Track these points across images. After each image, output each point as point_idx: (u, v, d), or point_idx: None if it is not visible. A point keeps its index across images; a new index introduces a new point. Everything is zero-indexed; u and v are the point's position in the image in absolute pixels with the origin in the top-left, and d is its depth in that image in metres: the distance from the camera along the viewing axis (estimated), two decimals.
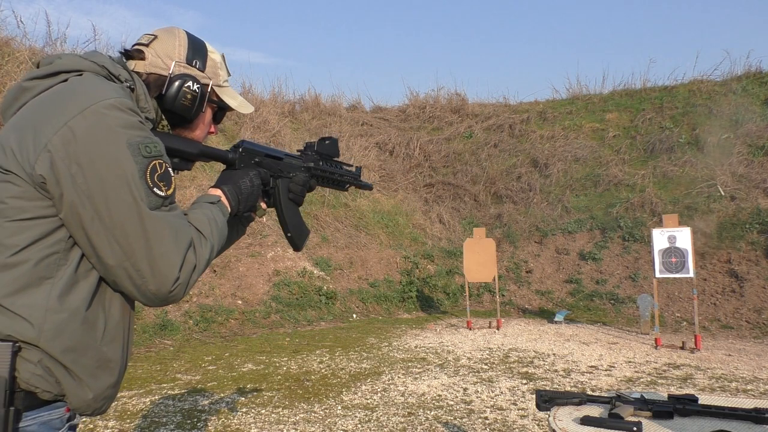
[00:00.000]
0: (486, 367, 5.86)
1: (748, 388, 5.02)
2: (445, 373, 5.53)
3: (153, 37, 1.28)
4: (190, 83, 1.26)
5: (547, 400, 1.85)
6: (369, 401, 4.58)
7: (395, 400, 4.60)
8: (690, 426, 1.64)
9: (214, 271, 8.63)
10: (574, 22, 42.93)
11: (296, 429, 3.91)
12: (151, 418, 4.12)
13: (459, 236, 12.41)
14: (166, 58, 1.26)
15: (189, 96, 1.26)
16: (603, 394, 1.90)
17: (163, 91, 1.24)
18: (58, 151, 0.99)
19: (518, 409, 4.35)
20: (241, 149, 1.44)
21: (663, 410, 1.70)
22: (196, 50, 1.31)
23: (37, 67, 1.13)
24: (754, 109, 12.23)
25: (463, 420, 4.10)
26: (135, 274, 1.04)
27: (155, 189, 1.05)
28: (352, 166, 1.78)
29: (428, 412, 4.29)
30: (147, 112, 1.18)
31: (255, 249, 9.45)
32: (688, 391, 4.88)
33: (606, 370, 5.72)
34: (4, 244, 1.00)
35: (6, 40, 9.45)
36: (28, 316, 0.99)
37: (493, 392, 4.85)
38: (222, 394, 4.77)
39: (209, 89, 1.33)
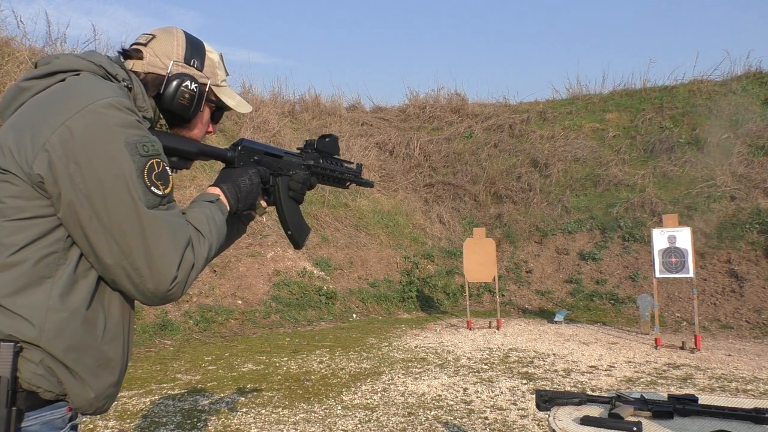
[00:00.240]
0: (486, 367, 5.86)
1: (748, 388, 5.02)
2: (445, 373, 5.53)
3: (151, 36, 1.29)
4: (188, 82, 1.26)
5: (547, 400, 1.85)
6: (369, 401, 4.58)
7: (395, 400, 4.60)
8: (690, 426, 1.64)
9: (214, 271, 8.63)
10: (574, 22, 42.94)
11: (296, 429, 3.91)
12: (151, 418, 4.12)
13: (459, 236, 12.41)
14: (165, 58, 1.26)
15: (187, 95, 1.26)
16: (603, 394, 1.90)
17: (161, 91, 1.25)
18: (56, 151, 0.99)
19: (518, 409, 4.35)
20: (240, 147, 1.44)
21: (663, 410, 1.70)
22: (194, 50, 1.32)
23: (35, 68, 1.13)
24: (754, 109, 12.23)
25: (463, 420, 4.10)
26: (133, 273, 1.04)
27: (153, 188, 1.05)
28: (352, 163, 1.77)
29: (428, 412, 4.29)
30: (144, 111, 1.19)
31: (255, 249, 9.45)
32: (688, 391, 4.88)
33: (606, 370, 5.72)
34: (3, 244, 1.00)
35: (6, 40, 9.46)
36: (29, 316, 1.00)
37: (493, 392, 4.85)
38: (222, 394, 4.77)
39: (207, 89, 1.33)
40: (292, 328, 8.32)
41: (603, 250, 10.87)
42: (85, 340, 1.05)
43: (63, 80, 1.09)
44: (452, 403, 4.54)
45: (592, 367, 5.88)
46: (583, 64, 42.35)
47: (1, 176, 1.02)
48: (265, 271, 9.21)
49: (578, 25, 42.94)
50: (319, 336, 7.72)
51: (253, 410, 4.33)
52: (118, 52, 1.26)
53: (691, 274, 7.05)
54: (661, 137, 12.69)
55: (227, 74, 1.42)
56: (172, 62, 1.26)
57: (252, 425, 3.99)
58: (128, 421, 4.07)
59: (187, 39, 1.32)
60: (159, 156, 1.08)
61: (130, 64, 1.25)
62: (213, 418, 4.15)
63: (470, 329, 8.33)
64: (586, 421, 1.64)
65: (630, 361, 6.14)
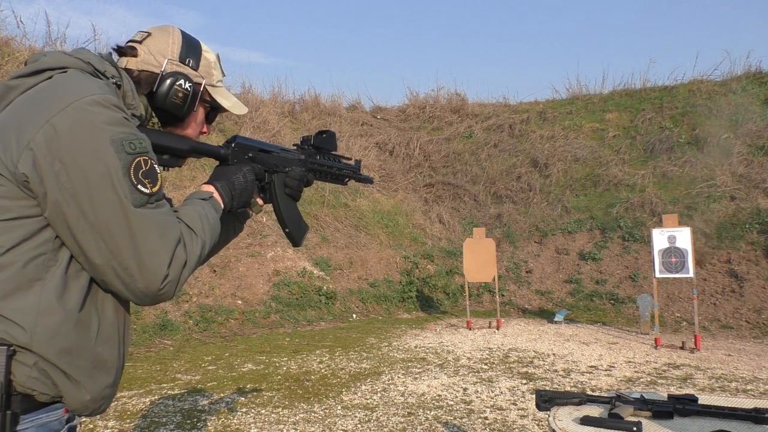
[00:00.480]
0: (486, 367, 5.86)
1: (748, 388, 5.02)
2: (445, 373, 5.53)
3: (147, 34, 1.27)
4: (181, 81, 1.25)
5: (547, 400, 1.85)
6: (369, 401, 4.58)
7: (395, 400, 4.60)
8: (690, 426, 1.64)
9: (214, 271, 8.63)
10: (574, 22, 42.94)
11: (296, 429, 3.91)
12: (151, 418, 4.12)
13: (459, 236, 12.41)
14: (159, 56, 1.25)
15: (180, 94, 1.25)
16: (603, 394, 1.90)
17: (155, 89, 1.23)
18: (41, 149, 0.98)
19: (518, 409, 4.35)
20: (233, 144, 1.42)
21: (663, 410, 1.70)
22: (190, 49, 1.30)
23: (26, 66, 1.12)
24: (754, 109, 12.23)
25: (463, 420, 4.10)
26: (123, 272, 1.02)
27: (140, 186, 1.03)
28: (351, 159, 1.75)
29: (428, 412, 4.29)
30: (134, 108, 1.17)
31: (255, 249, 9.45)
32: (688, 391, 4.88)
33: (606, 370, 5.72)
34: None
35: (6, 40, 9.46)
36: (20, 321, 0.98)
37: (492, 392, 4.85)
38: (222, 394, 4.77)
39: (201, 88, 1.31)
40: (292, 328, 8.32)
41: (603, 250, 10.87)
42: (79, 343, 1.04)
43: (50, 78, 1.07)
44: (452, 403, 4.54)
45: (592, 367, 5.88)
46: (583, 64, 42.35)
47: None
48: (265, 271, 9.21)
49: (578, 25, 42.95)
50: (319, 336, 7.72)
51: (253, 410, 4.33)
52: (113, 49, 1.25)
53: (691, 274, 7.05)
54: (661, 137, 12.69)
55: (224, 75, 1.40)
56: (166, 60, 1.25)
57: (252, 425, 3.99)
58: (128, 421, 4.07)
59: (184, 38, 1.30)
60: (147, 153, 1.06)
61: (124, 61, 1.24)
62: (213, 418, 4.15)
63: (470, 329, 8.33)
64: (586, 421, 1.64)
65: (630, 361, 6.14)
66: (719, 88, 13.42)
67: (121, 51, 1.25)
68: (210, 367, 5.77)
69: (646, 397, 1.81)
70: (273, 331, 8.04)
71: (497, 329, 8.30)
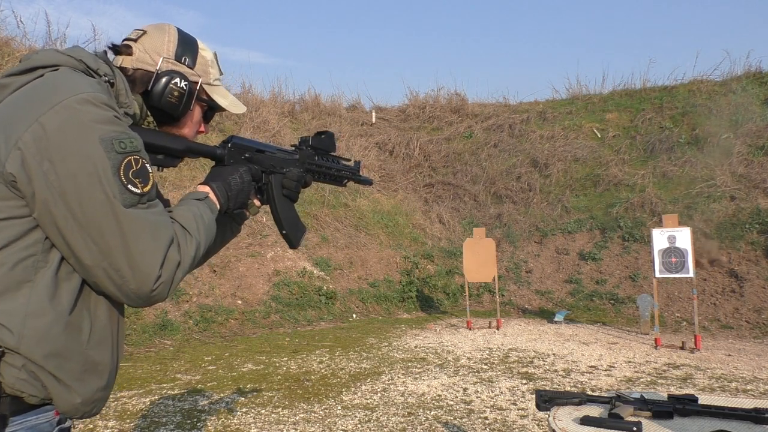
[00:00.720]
0: (486, 367, 5.85)
1: (748, 388, 5.02)
2: (445, 373, 5.53)
3: (142, 32, 1.25)
4: (177, 80, 1.23)
5: (546, 400, 1.85)
6: (369, 401, 4.58)
7: (395, 400, 4.60)
8: (690, 426, 1.64)
9: (214, 271, 8.63)
10: (574, 22, 42.94)
11: (296, 429, 3.91)
12: (151, 418, 4.12)
13: (459, 236, 12.41)
14: (154, 54, 1.23)
15: (176, 93, 1.23)
16: (603, 394, 1.90)
17: (150, 88, 1.22)
18: (29, 148, 0.96)
19: (518, 409, 4.35)
20: (230, 145, 1.40)
21: (663, 410, 1.70)
22: (186, 47, 1.28)
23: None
24: (754, 109, 12.23)
25: (463, 420, 4.10)
26: (114, 273, 1.00)
27: (130, 186, 1.01)
28: (350, 160, 1.73)
29: (428, 412, 4.29)
30: (127, 107, 1.15)
31: (255, 249, 9.45)
32: (688, 391, 4.88)
33: (606, 370, 5.72)
34: None
35: (6, 40, 9.46)
36: (7, 323, 0.96)
37: (492, 392, 4.85)
38: (222, 394, 4.77)
39: (198, 87, 1.29)
40: (292, 328, 8.31)
41: (603, 250, 10.87)
42: (69, 346, 1.02)
43: (41, 76, 1.05)
44: (452, 403, 4.54)
45: (592, 367, 5.87)
46: (583, 64, 42.37)
47: None
48: (265, 271, 9.21)
49: (578, 25, 42.95)
50: (319, 336, 7.72)
51: (253, 410, 4.33)
52: (108, 48, 1.23)
53: (691, 274, 7.05)
54: (661, 137, 12.69)
55: (221, 73, 1.38)
56: (161, 59, 1.23)
57: (252, 425, 3.99)
58: (128, 421, 4.07)
59: (180, 36, 1.28)
60: (138, 153, 1.04)
61: (119, 59, 1.22)
62: (213, 418, 4.15)
63: (470, 329, 8.33)
64: (586, 421, 1.64)
65: (630, 361, 6.14)
66: (719, 88, 13.42)
67: (116, 49, 1.23)
68: (210, 367, 5.77)
69: (646, 397, 1.81)
70: (273, 331, 8.04)
71: (497, 329, 8.29)
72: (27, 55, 1.11)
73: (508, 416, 4.18)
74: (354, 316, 9.46)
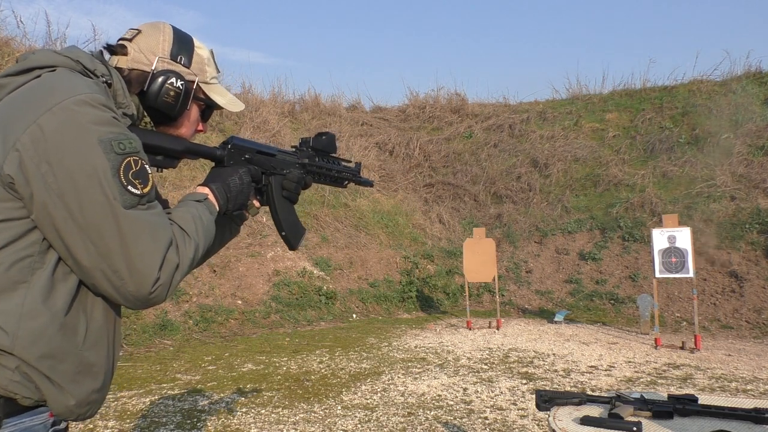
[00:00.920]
0: (486, 367, 5.85)
1: (748, 388, 5.02)
2: (445, 373, 5.53)
3: (137, 31, 1.24)
4: (173, 80, 1.22)
5: (546, 400, 1.85)
6: (369, 401, 4.58)
7: (395, 400, 4.60)
8: (690, 426, 1.64)
9: (214, 271, 8.63)
10: (574, 22, 42.93)
11: (296, 429, 3.91)
12: (151, 418, 4.12)
13: (459, 236, 12.41)
14: (149, 54, 1.22)
15: (172, 93, 1.22)
16: (603, 394, 1.90)
17: (145, 88, 1.21)
18: (27, 150, 0.95)
19: (518, 409, 4.35)
20: (230, 146, 1.39)
21: (663, 410, 1.70)
22: (182, 45, 1.27)
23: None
24: (754, 109, 12.23)
25: (463, 420, 4.10)
26: (113, 275, 1.00)
27: (129, 187, 1.00)
28: (350, 162, 1.73)
29: (428, 412, 4.29)
30: (125, 108, 1.14)
31: (255, 249, 9.45)
32: (688, 391, 4.88)
33: (606, 370, 5.72)
34: None
35: (6, 40, 9.47)
36: (2, 324, 0.96)
37: (492, 392, 4.85)
38: (222, 394, 4.77)
39: (195, 86, 1.28)
40: (292, 328, 8.31)
41: (603, 250, 10.87)
42: (63, 347, 1.02)
43: (38, 77, 1.05)
44: (452, 403, 4.54)
45: (592, 367, 5.87)
46: (583, 64, 42.36)
47: None
48: (265, 271, 9.21)
49: (578, 25, 42.94)
50: (319, 336, 7.72)
51: (253, 410, 4.33)
52: (103, 47, 1.23)
53: (691, 274, 7.05)
54: (661, 137, 12.69)
55: (218, 71, 1.37)
56: (157, 58, 1.22)
57: (252, 425, 3.99)
58: (128, 421, 4.07)
59: (175, 34, 1.27)
60: (137, 154, 1.03)
61: (115, 60, 1.21)
62: (213, 418, 4.15)
63: (470, 329, 8.33)
64: (586, 421, 1.64)
65: (630, 361, 6.14)
66: (719, 88, 13.42)
67: (112, 49, 1.22)
68: (210, 367, 5.77)
69: (646, 397, 1.81)
70: (273, 331, 8.04)
71: (497, 329, 8.30)
72: (24, 55, 1.10)
73: (508, 416, 4.18)
74: (354, 316, 9.46)
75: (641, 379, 5.35)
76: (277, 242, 9.71)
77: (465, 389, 4.95)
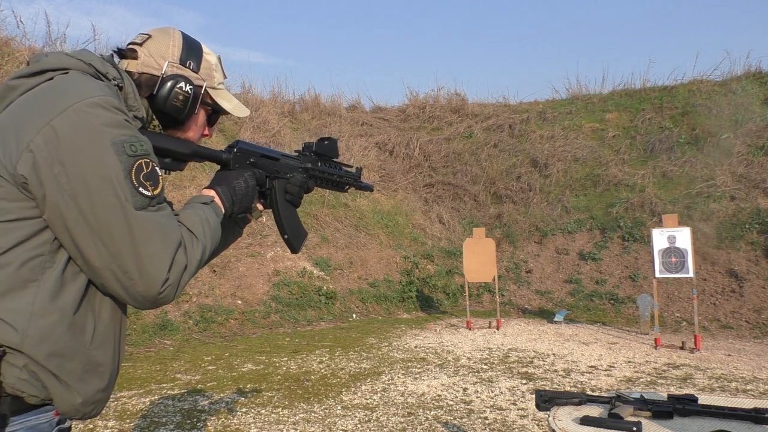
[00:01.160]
0: (486, 367, 5.86)
1: (748, 388, 5.02)
2: (445, 373, 5.53)
3: (147, 36, 1.27)
4: (182, 84, 1.24)
5: (546, 400, 1.85)
6: (369, 401, 4.58)
7: (395, 400, 4.60)
8: (690, 426, 1.64)
9: (214, 271, 8.63)
10: (574, 22, 42.93)
11: (296, 429, 3.91)
12: (151, 418, 4.12)
13: (459, 236, 12.41)
14: (159, 58, 1.24)
15: (181, 97, 1.24)
16: (603, 394, 1.90)
17: (155, 92, 1.23)
18: (41, 151, 0.97)
19: (518, 409, 4.35)
20: (235, 149, 1.41)
21: (663, 410, 1.70)
22: (191, 51, 1.30)
23: (28, 65, 1.11)
24: (754, 109, 12.23)
25: (463, 420, 4.10)
26: (123, 276, 1.01)
27: (141, 189, 1.02)
28: (352, 166, 1.75)
29: (428, 412, 4.29)
30: (136, 110, 1.16)
31: (255, 249, 9.45)
32: (687, 391, 4.88)
33: (606, 370, 5.72)
34: None
35: (6, 40, 9.46)
36: (12, 321, 0.97)
37: (492, 392, 4.85)
38: (222, 394, 4.77)
39: (203, 91, 1.30)
40: (292, 328, 8.31)
41: (603, 250, 10.87)
42: (72, 346, 1.03)
43: (51, 79, 1.06)
44: (452, 403, 4.54)
45: (591, 367, 5.88)
46: (583, 64, 42.37)
47: None
48: (265, 271, 9.21)
49: (578, 25, 42.94)
50: (319, 336, 7.72)
51: (252, 410, 4.33)
52: (113, 51, 1.25)
53: (690, 274, 7.05)
54: (661, 137, 12.69)
55: (225, 77, 1.39)
56: (166, 63, 1.24)
57: (252, 425, 3.99)
58: (128, 421, 4.07)
59: (184, 40, 1.29)
60: (148, 156, 1.05)
61: (124, 63, 1.23)
62: (213, 418, 4.15)
63: (470, 329, 8.33)
64: (585, 421, 1.64)
65: (630, 361, 6.14)
66: (719, 88, 13.42)
67: (122, 53, 1.24)
68: (210, 367, 5.77)
69: (646, 397, 1.81)
70: (273, 331, 8.04)
71: (497, 329, 8.30)
72: (36, 57, 1.11)
73: (508, 416, 4.18)
74: (354, 316, 9.46)
75: (641, 379, 5.35)
76: (277, 242, 9.71)
77: (465, 389, 4.95)
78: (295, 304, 8.94)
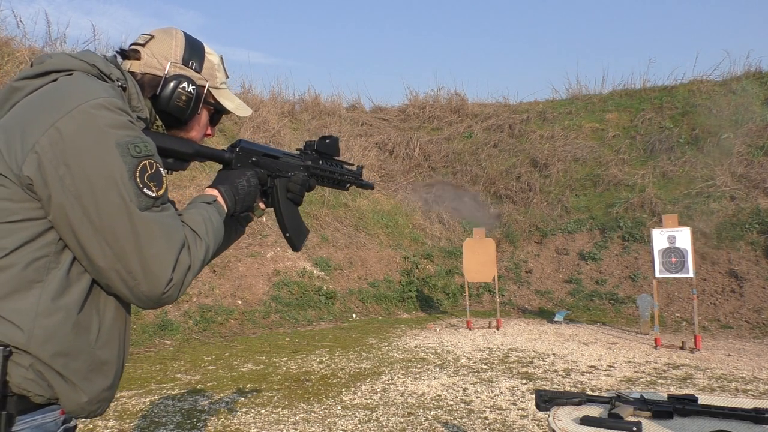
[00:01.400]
0: (486, 367, 5.85)
1: (748, 388, 5.02)
2: (445, 373, 5.53)
3: (150, 37, 1.27)
4: (185, 84, 1.25)
5: (546, 400, 1.85)
6: (369, 401, 4.58)
7: (395, 400, 4.60)
8: (690, 426, 1.64)
9: (214, 271, 8.63)
10: (574, 22, 42.93)
11: (296, 429, 3.91)
12: (151, 418, 4.12)
13: (459, 236, 12.41)
14: (162, 59, 1.25)
15: (184, 97, 1.25)
16: (603, 394, 1.90)
17: (158, 92, 1.23)
18: (46, 153, 0.98)
19: (518, 409, 4.35)
20: (238, 149, 1.42)
21: (663, 410, 1.70)
22: (193, 51, 1.30)
23: (31, 67, 1.11)
24: (754, 109, 12.23)
25: (463, 420, 4.10)
26: (127, 276, 1.02)
27: (145, 189, 1.03)
28: (353, 165, 1.76)
29: (428, 412, 4.29)
30: (139, 111, 1.17)
31: (255, 249, 9.45)
32: (687, 391, 4.88)
33: (606, 370, 5.72)
34: None
35: (6, 40, 9.46)
36: (18, 321, 0.98)
37: (492, 392, 4.85)
38: (222, 394, 4.77)
39: (205, 91, 1.31)
40: (292, 328, 8.31)
41: (603, 250, 10.87)
42: (77, 345, 1.04)
43: (55, 80, 1.07)
44: (452, 403, 4.54)
45: (591, 367, 5.88)
46: (583, 64, 42.38)
47: None
48: (265, 271, 9.21)
49: (578, 25, 42.93)
50: (319, 336, 7.72)
51: (252, 410, 4.33)
52: (116, 52, 1.25)
53: (690, 274, 7.05)
54: (661, 137, 12.69)
55: (227, 77, 1.40)
56: (169, 63, 1.25)
57: (252, 425, 3.99)
58: (128, 421, 4.07)
59: (187, 40, 1.30)
60: (152, 157, 1.06)
61: (127, 64, 1.24)
62: (213, 418, 4.15)
63: (470, 329, 8.33)
64: (585, 421, 1.64)
65: (630, 361, 6.14)
66: (719, 88, 13.42)
67: (125, 54, 1.25)
68: (210, 367, 5.77)
69: (645, 397, 1.81)
70: (273, 331, 8.04)
71: (497, 329, 8.29)
72: (40, 58, 1.12)
73: (508, 416, 4.18)
74: (354, 316, 9.46)
75: (641, 379, 5.35)
76: (277, 242, 9.71)
77: (465, 389, 4.95)
78: (295, 304, 8.94)
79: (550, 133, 14.35)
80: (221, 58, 1.38)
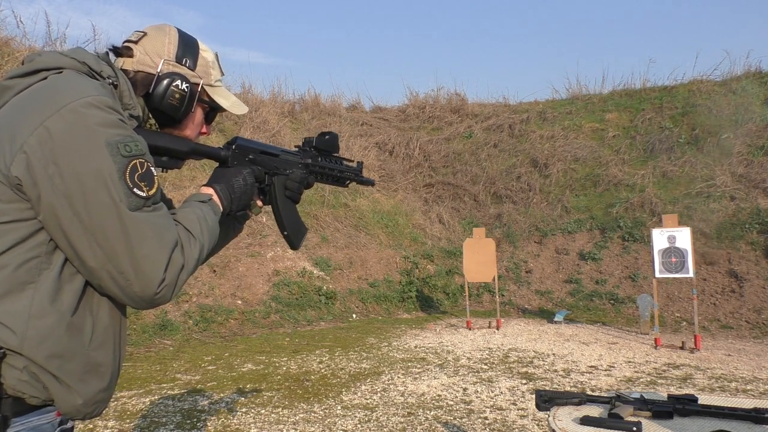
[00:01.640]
0: (486, 367, 5.85)
1: (748, 388, 5.02)
2: (445, 373, 5.53)
3: (143, 34, 1.25)
4: (178, 82, 1.23)
5: (546, 400, 1.85)
6: (369, 401, 4.58)
7: (395, 400, 4.60)
8: (690, 426, 1.64)
9: (214, 271, 8.63)
10: (574, 22, 42.92)
11: (296, 429, 3.91)
12: (151, 418, 4.12)
13: (459, 236, 12.41)
14: (155, 56, 1.23)
15: (177, 95, 1.23)
16: (603, 394, 1.90)
17: (151, 90, 1.21)
18: (35, 152, 0.96)
19: (518, 409, 4.35)
20: (234, 146, 1.40)
21: (663, 410, 1.70)
22: (187, 48, 1.28)
23: (22, 65, 1.10)
24: (754, 109, 12.23)
25: (463, 420, 4.10)
26: (119, 276, 1.01)
27: (135, 189, 1.01)
28: (352, 161, 1.73)
29: (428, 412, 4.29)
30: (131, 109, 1.15)
31: (255, 249, 9.45)
32: (687, 391, 4.88)
33: (606, 370, 5.72)
34: None
35: (6, 40, 9.46)
36: (11, 324, 0.97)
37: (492, 392, 4.85)
38: (222, 394, 4.77)
39: (199, 89, 1.29)
40: (292, 328, 8.31)
41: (603, 250, 10.87)
42: (71, 347, 1.03)
43: (45, 78, 1.05)
44: (452, 403, 4.54)
45: (591, 367, 5.87)
46: (583, 64, 42.36)
47: None
48: (265, 271, 9.21)
49: (578, 25, 42.93)
50: (319, 336, 7.72)
51: (252, 410, 4.33)
52: (109, 49, 1.23)
53: (690, 274, 7.05)
54: (661, 137, 12.69)
55: (222, 74, 1.38)
56: (162, 61, 1.23)
57: (252, 425, 3.99)
58: (128, 421, 4.07)
59: (180, 37, 1.28)
60: (143, 156, 1.04)
61: (120, 62, 1.22)
62: (213, 418, 4.15)
63: (470, 329, 8.33)
64: (585, 421, 1.64)
65: (630, 361, 6.14)
66: (719, 88, 13.42)
67: (117, 51, 1.23)
68: (210, 367, 5.77)
69: (645, 397, 1.81)
70: (273, 331, 8.04)
71: (497, 329, 8.29)
72: (30, 56, 1.10)
73: (507, 416, 4.18)
74: (354, 316, 9.46)
75: (641, 379, 5.35)
76: (277, 242, 9.71)
77: (465, 389, 4.95)
78: (295, 304, 8.94)
79: (550, 133, 14.35)
80: (216, 55, 1.36)
